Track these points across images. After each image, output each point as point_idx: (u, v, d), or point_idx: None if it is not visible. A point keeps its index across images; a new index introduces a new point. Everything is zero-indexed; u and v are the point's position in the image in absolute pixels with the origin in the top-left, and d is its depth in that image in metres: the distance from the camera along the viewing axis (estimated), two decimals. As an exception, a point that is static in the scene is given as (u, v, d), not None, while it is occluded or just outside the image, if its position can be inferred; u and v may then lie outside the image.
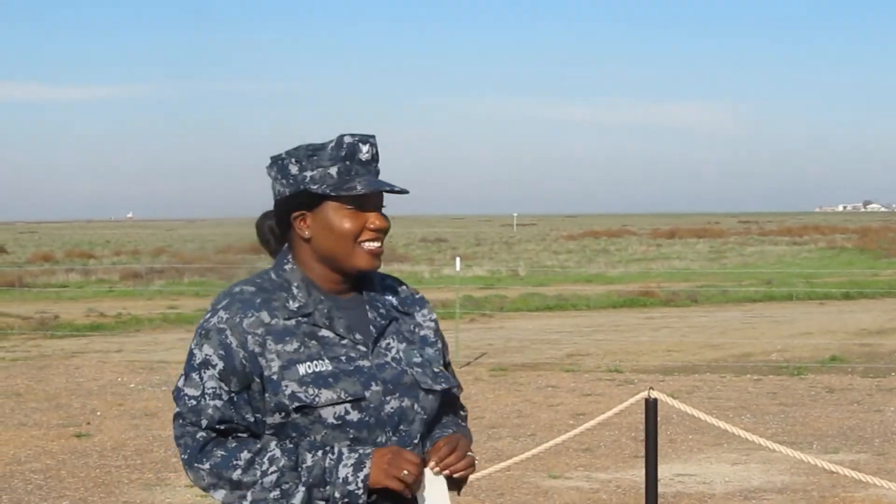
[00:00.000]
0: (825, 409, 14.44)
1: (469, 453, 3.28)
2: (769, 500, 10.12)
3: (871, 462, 11.41)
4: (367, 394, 3.22)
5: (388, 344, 3.34)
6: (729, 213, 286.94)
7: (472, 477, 3.37)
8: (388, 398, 3.25)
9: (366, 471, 3.14)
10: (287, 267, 3.33)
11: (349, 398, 3.19)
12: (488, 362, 19.36)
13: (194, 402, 3.19)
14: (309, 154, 3.28)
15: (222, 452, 3.17)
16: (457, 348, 18.98)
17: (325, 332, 3.25)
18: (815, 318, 26.49)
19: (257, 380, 3.19)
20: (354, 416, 3.20)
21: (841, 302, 31.28)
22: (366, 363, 3.26)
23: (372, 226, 3.28)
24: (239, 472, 3.14)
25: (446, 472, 3.23)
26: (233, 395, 3.19)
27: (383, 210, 3.36)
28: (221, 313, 3.22)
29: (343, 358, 3.24)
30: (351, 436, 3.20)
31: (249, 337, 3.19)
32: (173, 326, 26.50)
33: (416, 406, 3.30)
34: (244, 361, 3.18)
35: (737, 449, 11.97)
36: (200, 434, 3.19)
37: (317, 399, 3.16)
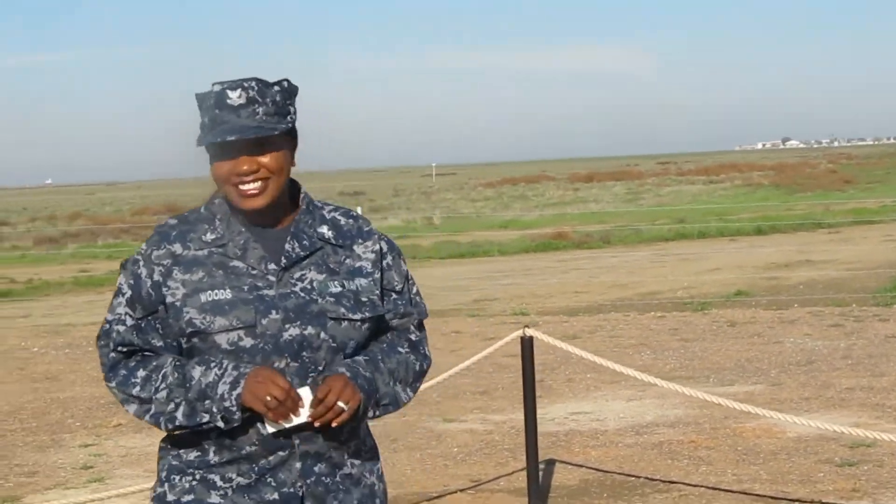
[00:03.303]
0: (724, 343, 14.53)
1: (340, 403, 3.32)
2: (660, 433, 10.18)
3: (766, 392, 11.51)
4: (265, 321, 3.37)
5: (303, 275, 3.46)
6: (649, 156, 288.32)
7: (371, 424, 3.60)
8: (287, 326, 3.39)
9: (239, 389, 3.31)
10: (216, 201, 3.52)
11: (241, 325, 3.37)
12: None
13: (107, 326, 3.48)
14: (199, 102, 3.47)
15: (124, 371, 3.44)
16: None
17: (236, 263, 3.44)
18: (724, 255, 26.70)
19: (162, 307, 3.43)
20: (248, 342, 3.37)
21: (752, 237, 31.52)
22: (270, 292, 3.41)
23: (237, 170, 3.39)
24: (138, 388, 3.41)
25: (316, 421, 3.33)
26: (138, 321, 3.45)
27: (267, 149, 3.41)
28: (143, 246, 3.48)
29: (246, 287, 3.41)
30: (245, 360, 3.37)
31: (156, 267, 3.43)
32: (84, 289, 26.28)
33: (322, 334, 3.41)
34: (150, 290, 3.43)
35: (633, 385, 11.98)
36: (111, 354, 3.47)
37: (211, 325, 3.37)
